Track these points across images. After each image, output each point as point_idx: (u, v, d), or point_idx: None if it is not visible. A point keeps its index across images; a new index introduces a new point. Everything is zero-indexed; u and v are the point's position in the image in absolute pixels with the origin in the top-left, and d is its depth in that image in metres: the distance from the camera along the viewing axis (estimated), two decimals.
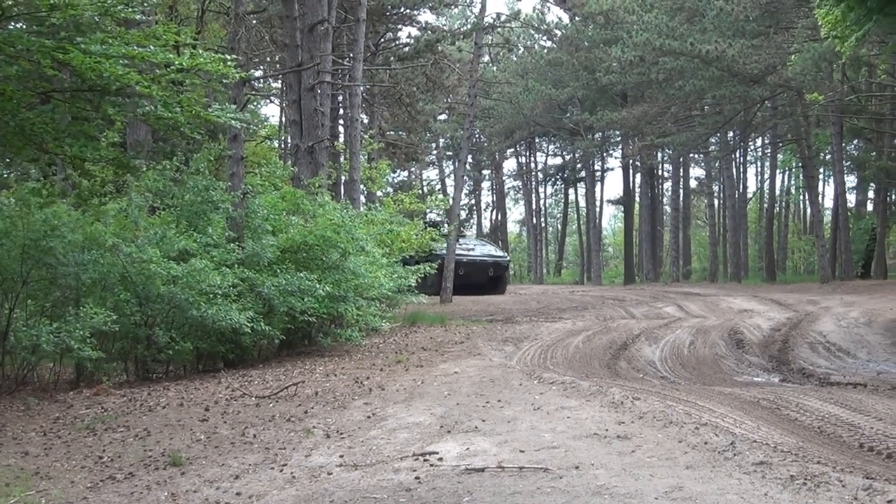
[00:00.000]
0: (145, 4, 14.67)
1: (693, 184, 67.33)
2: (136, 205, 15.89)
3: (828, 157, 47.90)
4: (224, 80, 16.45)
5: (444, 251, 32.44)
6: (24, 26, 14.26)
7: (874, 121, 43.25)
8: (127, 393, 13.26)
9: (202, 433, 10.26)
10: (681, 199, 62.31)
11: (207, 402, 12.33)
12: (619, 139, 62.08)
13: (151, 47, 13.73)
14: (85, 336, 13.01)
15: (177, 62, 14.03)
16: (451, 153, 75.03)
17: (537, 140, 74.35)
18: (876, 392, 12.34)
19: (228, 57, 14.84)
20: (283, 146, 41.54)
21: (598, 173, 70.22)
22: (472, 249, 37.87)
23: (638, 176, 63.02)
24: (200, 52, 14.66)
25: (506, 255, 43.05)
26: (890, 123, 40.38)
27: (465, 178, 47.72)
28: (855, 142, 50.08)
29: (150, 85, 13.79)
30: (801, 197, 65.08)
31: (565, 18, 52.58)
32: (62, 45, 12.94)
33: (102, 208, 16.06)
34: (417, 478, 7.76)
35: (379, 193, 32.45)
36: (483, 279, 37.21)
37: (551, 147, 77.26)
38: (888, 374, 14.57)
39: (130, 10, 13.72)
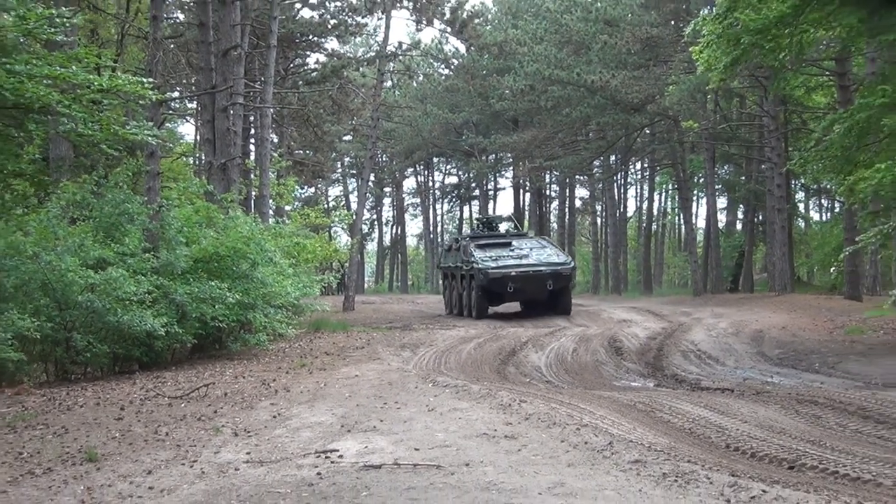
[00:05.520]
0: (66, 25, 14.47)
1: (578, 203, 67.87)
2: (54, 215, 15.67)
3: (701, 180, 48.66)
4: (140, 102, 16.36)
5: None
6: None
7: (744, 147, 44.16)
8: (47, 393, 13.08)
9: (117, 431, 10.15)
10: (566, 217, 62.96)
11: (123, 401, 12.21)
12: (510, 161, 62.21)
13: (73, 68, 13.62)
14: (7, 338, 12.83)
15: (97, 83, 13.92)
16: (354, 171, 74.62)
17: (435, 160, 74.32)
18: (742, 397, 12.54)
19: (145, 80, 14.77)
20: (197, 163, 41.19)
21: (491, 192, 70.73)
22: (527, 256, 28.51)
23: (527, 195, 63.23)
24: (119, 74, 14.58)
25: (569, 259, 29.93)
26: (758, 150, 41.14)
27: (367, 194, 47.88)
28: (726, 166, 51.02)
29: (71, 104, 13.67)
30: (677, 216, 66.02)
31: (462, 48, 52.77)
32: None
33: (25, 218, 15.87)
34: (319, 474, 7.78)
35: (287, 208, 32.59)
36: (541, 295, 28.19)
37: (448, 167, 77.28)
38: (753, 380, 14.80)
39: (53, 31, 13.61)
